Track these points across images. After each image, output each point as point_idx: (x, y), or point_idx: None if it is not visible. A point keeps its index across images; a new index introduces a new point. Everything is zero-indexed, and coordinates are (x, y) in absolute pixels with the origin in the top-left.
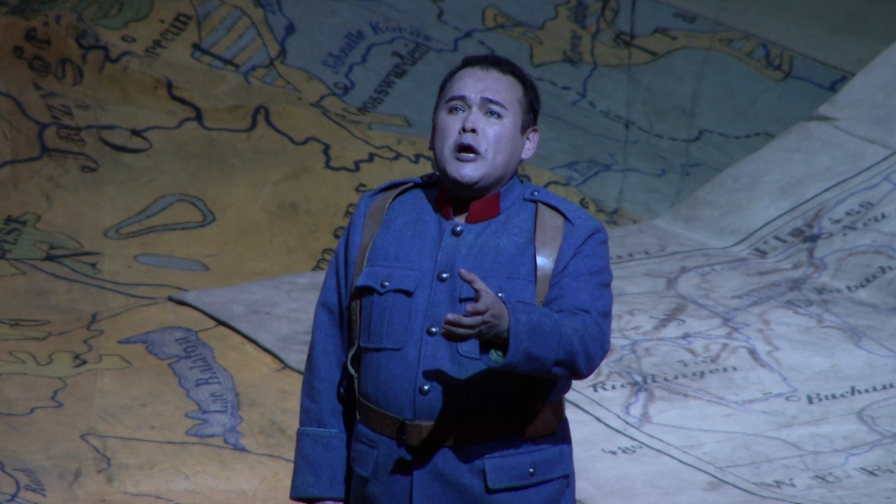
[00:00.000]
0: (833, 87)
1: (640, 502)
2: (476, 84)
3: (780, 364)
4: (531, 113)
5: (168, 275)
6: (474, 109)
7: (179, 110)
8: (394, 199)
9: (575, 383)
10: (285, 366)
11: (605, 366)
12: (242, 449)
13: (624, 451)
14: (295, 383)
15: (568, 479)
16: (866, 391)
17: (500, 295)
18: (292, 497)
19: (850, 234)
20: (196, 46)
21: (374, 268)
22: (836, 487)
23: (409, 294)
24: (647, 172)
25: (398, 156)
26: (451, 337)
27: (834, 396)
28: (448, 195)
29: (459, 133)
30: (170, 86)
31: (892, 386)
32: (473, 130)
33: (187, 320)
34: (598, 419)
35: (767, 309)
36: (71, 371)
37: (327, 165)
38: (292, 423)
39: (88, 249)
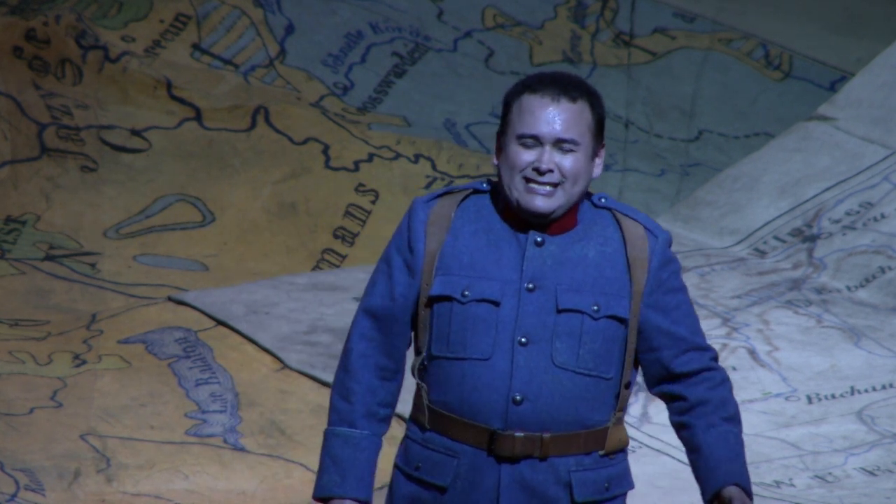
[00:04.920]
0: (833, 87)
1: (639, 502)
2: (549, 122)
3: (780, 364)
4: (600, 133)
5: (168, 275)
6: (547, 148)
7: (179, 110)
8: (457, 207)
9: None
10: (285, 366)
11: None
12: (242, 449)
13: None
14: (294, 383)
15: (626, 495)
16: (866, 391)
17: (594, 308)
18: (315, 496)
19: (850, 234)
20: (195, 46)
21: (450, 277)
22: (835, 487)
23: (496, 304)
24: (646, 172)
25: (398, 156)
26: None
27: (833, 396)
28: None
29: (533, 170)
30: (169, 86)
31: (891, 386)
32: (550, 171)
33: (187, 320)
34: None
35: (767, 309)
36: (70, 371)
37: (327, 165)
38: (292, 424)
39: (88, 249)
